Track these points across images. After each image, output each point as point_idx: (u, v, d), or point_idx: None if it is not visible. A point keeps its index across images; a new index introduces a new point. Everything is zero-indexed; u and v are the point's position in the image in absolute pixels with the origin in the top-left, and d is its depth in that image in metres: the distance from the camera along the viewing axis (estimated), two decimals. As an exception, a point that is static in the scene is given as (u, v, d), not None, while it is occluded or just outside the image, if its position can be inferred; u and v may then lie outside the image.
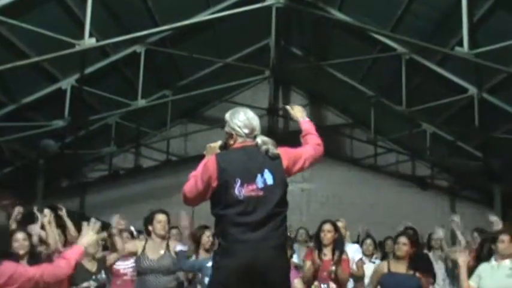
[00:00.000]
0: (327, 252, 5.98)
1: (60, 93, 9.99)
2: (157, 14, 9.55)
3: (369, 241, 8.02)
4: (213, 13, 9.75)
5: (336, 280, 5.88)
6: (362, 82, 12.42)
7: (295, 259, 7.66)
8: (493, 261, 5.48)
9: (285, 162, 3.67)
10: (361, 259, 7.26)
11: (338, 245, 6.05)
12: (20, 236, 5.91)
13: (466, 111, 10.49)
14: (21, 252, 5.83)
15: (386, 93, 12.07)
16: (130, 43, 9.98)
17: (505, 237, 5.47)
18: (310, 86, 14.23)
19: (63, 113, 10.02)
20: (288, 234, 7.40)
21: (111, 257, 6.46)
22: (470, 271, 5.61)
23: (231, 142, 3.77)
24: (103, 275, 6.29)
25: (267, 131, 13.07)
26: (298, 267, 7.31)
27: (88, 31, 7.70)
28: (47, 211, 6.43)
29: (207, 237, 6.64)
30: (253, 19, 10.19)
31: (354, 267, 6.90)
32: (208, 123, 14.05)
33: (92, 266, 6.27)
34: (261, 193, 3.54)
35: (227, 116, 3.80)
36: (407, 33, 9.20)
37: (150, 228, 5.94)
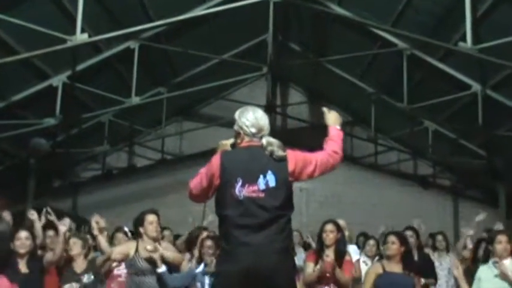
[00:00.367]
0: (330, 253, 5.96)
1: (52, 91, 9.96)
2: (152, 9, 9.52)
3: (372, 242, 7.99)
4: (208, 8, 9.71)
5: (338, 282, 5.86)
6: (362, 79, 12.42)
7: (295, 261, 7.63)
8: (490, 263, 5.48)
9: (291, 166, 3.64)
10: (358, 260, 7.24)
11: (340, 245, 6.04)
12: (22, 234, 5.91)
13: (469, 108, 10.48)
14: (22, 251, 5.83)
15: (387, 90, 12.06)
16: (124, 39, 9.94)
17: (502, 238, 5.48)
18: (308, 82, 14.22)
19: (55, 111, 9.98)
20: None
21: (99, 259, 6.45)
22: (471, 274, 5.62)
23: (238, 141, 3.78)
24: (91, 276, 6.27)
25: (265, 129, 13.07)
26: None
27: (80, 26, 7.68)
28: (66, 221, 6.39)
29: (203, 240, 6.58)
30: (250, 14, 10.16)
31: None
32: (204, 121, 14.02)
33: (78, 267, 6.26)
34: (261, 195, 3.54)
35: (236, 114, 3.81)
36: (408, 28, 9.20)
37: (141, 230, 5.83)
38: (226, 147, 3.83)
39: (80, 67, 10.01)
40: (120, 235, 7.33)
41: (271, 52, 11.01)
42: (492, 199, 13.00)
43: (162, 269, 5.64)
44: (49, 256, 6.10)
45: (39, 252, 6.44)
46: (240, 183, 3.54)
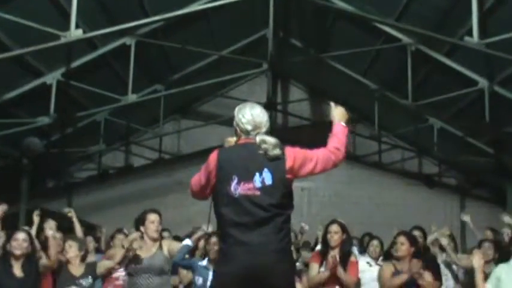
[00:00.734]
0: (335, 255, 5.95)
1: (45, 89, 9.94)
2: (148, 4, 9.50)
3: (375, 242, 7.95)
4: (207, 2, 9.67)
5: (343, 284, 5.85)
6: (365, 75, 12.40)
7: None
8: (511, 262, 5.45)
9: (289, 163, 3.63)
10: (357, 262, 7.23)
11: (346, 246, 6.03)
12: (20, 236, 5.89)
13: (476, 105, 10.47)
14: (18, 252, 5.81)
15: (391, 86, 12.05)
16: (120, 35, 9.93)
17: None
18: (310, 79, 14.20)
19: (49, 110, 9.95)
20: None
21: (102, 264, 6.43)
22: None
23: (236, 138, 3.80)
24: (89, 279, 6.26)
25: (265, 127, 13.06)
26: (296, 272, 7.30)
27: (74, 22, 7.65)
28: (51, 223, 6.38)
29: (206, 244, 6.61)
30: (250, 9, 10.15)
31: None
32: (202, 119, 14.00)
33: (76, 271, 6.25)
34: (257, 193, 3.55)
35: (235, 110, 3.81)
36: (413, 23, 9.18)
37: (142, 229, 5.92)
38: (231, 144, 3.85)
39: (75, 64, 10.00)
40: (120, 237, 7.34)
41: (271, 48, 10.99)
42: (500, 198, 12.98)
43: (188, 242, 5.95)
44: (44, 261, 6.08)
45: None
46: (235, 181, 3.55)
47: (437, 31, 8.89)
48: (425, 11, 9.33)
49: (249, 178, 3.56)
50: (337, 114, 4.06)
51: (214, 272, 3.76)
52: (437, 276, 5.98)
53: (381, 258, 7.86)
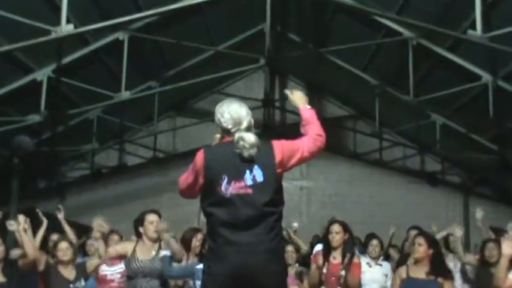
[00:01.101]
0: (337, 255, 5.94)
1: (36, 85, 9.90)
2: (142, -2, 9.49)
3: (375, 242, 7.95)
4: (202, -4, 9.67)
5: (346, 286, 5.84)
6: (365, 70, 12.38)
7: None
8: None
9: (278, 156, 3.66)
10: (360, 263, 7.22)
11: (348, 247, 6.01)
12: None
13: (479, 100, 10.47)
14: None
15: (392, 81, 12.04)
16: (112, 30, 9.90)
17: None
18: (309, 75, 14.19)
19: (39, 107, 9.92)
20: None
21: (92, 263, 6.43)
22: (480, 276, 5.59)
23: (220, 136, 3.83)
24: (82, 282, 6.27)
25: (263, 124, 13.07)
26: (296, 274, 7.29)
27: (65, 16, 7.64)
28: (21, 218, 6.36)
29: (197, 241, 6.62)
30: (247, 2, 10.12)
31: None
32: (198, 117, 13.98)
33: (69, 274, 6.25)
34: (249, 191, 3.56)
35: (215, 110, 3.83)
36: (414, 16, 9.15)
37: (140, 230, 5.93)
38: (217, 142, 3.87)
39: (66, 60, 9.95)
40: (115, 237, 7.34)
41: (268, 43, 10.98)
42: (504, 196, 13.01)
43: (166, 252, 5.72)
44: (21, 260, 6.06)
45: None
46: (225, 180, 3.57)
47: (440, 24, 8.88)
48: (427, 4, 9.31)
49: (240, 176, 3.57)
50: (297, 98, 4.10)
51: (204, 271, 3.74)
52: (448, 274, 5.91)
53: (381, 258, 7.86)
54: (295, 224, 9.59)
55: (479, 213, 7.76)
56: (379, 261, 7.78)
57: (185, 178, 3.78)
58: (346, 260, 5.91)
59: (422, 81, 10.85)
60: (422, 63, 10.70)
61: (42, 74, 9.93)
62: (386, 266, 7.74)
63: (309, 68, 13.57)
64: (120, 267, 6.54)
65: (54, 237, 7.05)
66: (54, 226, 7.58)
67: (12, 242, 7.11)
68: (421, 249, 5.81)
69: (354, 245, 6.31)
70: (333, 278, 5.87)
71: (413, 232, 8.06)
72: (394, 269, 6.92)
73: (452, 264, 7.59)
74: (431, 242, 5.92)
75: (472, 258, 7.48)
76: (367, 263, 7.45)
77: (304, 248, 8.91)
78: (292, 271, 7.24)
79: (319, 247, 6.38)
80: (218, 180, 3.56)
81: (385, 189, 14.20)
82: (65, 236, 7.19)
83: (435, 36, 9.96)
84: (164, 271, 5.79)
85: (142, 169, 14.19)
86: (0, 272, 5.83)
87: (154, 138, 14.07)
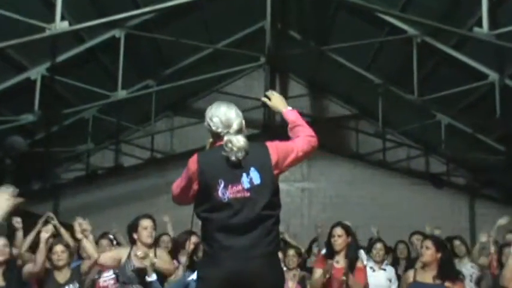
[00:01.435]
0: (340, 259, 5.92)
1: (29, 84, 9.87)
2: (139, -6, 9.47)
3: (379, 245, 7.94)
4: (201, -8, 9.67)
5: None
6: (368, 69, 12.37)
7: None
8: None
9: (274, 158, 3.68)
10: (365, 266, 7.20)
11: (351, 250, 5.99)
12: (0, 241, 5.87)
13: (485, 100, 10.44)
14: (0, 258, 5.80)
15: (396, 80, 12.02)
16: (109, 27, 9.86)
17: None
18: (310, 73, 14.18)
19: (33, 106, 9.87)
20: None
21: (85, 264, 6.42)
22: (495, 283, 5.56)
23: (212, 140, 3.86)
24: (76, 284, 6.26)
25: (263, 124, 13.05)
26: (299, 279, 7.28)
27: (60, 13, 7.62)
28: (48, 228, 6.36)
29: (192, 244, 6.60)
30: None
31: None
32: (197, 117, 13.89)
33: (62, 277, 6.24)
34: (247, 194, 3.58)
35: (205, 114, 3.85)
36: (418, 13, 9.14)
37: (135, 236, 5.92)
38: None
39: (61, 58, 9.92)
40: (104, 242, 7.32)
41: (269, 41, 10.95)
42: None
43: (152, 277, 5.63)
44: (29, 267, 6.05)
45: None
46: (222, 185, 3.58)
47: (445, 22, 8.86)
48: (431, 1, 9.29)
49: (236, 180, 3.59)
50: (277, 102, 4.14)
51: (198, 276, 3.76)
52: (456, 278, 5.89)
53: (385, 262, 7.84)
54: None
55: (503, 220, 7.73)
56: (383, 266, 7.76)
57: (178, 184, 3.79)
58: (347, 264, 5.89)
59: (426, 80, 10.83)
60: (427, 61, 10.68)
61: (36, 73, 9.89)
62: (390, 271, 7.73)
63: (311, 67, 13.57)
64: (113, 273, 6.58)
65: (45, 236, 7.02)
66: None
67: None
68: (428, 252, 5.78)
69: (358, 249, 6.29)
70: (336, 283, 5.85)
71: (416, 237, 8.08)
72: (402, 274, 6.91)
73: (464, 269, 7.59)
74: (440, 245, 5.88)
75: (485, 260, 7.49)
76: (371, 267, 7.43)
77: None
78: (292, 274, 7.23)
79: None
80: (214, 185, 3.57)
81: (388, 191, 14.18)
82: (61, 239, 7.18)
83: (440, 34, 9.93)
84: None
85: (139, 170, 14.19)
86: (1, 276, 5.81)
87: (152, 138, 14.07)
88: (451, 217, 13.21)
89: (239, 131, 3.71)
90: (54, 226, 7.37)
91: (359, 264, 6.00)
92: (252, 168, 3.61)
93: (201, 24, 11.18)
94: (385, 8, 9.52)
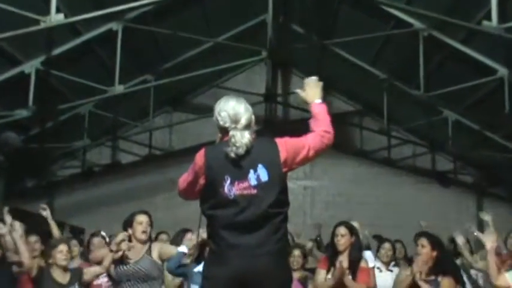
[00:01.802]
0: (343, 260, 5.92)
1: (23, 79, 9.85)
2: (137, -14, 9.45)
3: (387, 246, 7.93)
4: (200, -16, 9.66)
5: None
6: (373, 63, 12.36)
7: None
8: None
9: (283, 155, 3.67)
10: (373, 267, 7.19)
11: (354, 251, 5.99)
12: None
13: (494, 96, 10.42)
14: None
15: (402, 75, 12.00)
16: (106, 20, 9.86)
17: None
18: (313, 68, 14.05)
19: (27, 101, 9.86)
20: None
21: (91, 270, 6.42)
22: None
23: (221, 135, 3.83)
24: (76, 287, 6.26)
25: (264, 120, 13.05)
26: (301, 279, 7.26)
27: (55, 5, 7.61)
28: (17, 224, 6.32)
29: (188, 241, 6.62)
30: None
31: None
32: (196, 112, 13.96)
33: (63, 278, 6.24)
34: (254, 191, 3.58)
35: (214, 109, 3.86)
36: (425, 6, 9.14)
37: (129, 231, 5.94)
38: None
39: (56, 52, 9.90)
40: (96, 240, 7.31)
41: (271, 34, 10.95)
42: (521, 197, 12.99)
43: (184, 249, 5.85)
44: (17, 268, 6.04)
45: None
46: (228, 181, 3.59)
47: (452, 15, 8.86)
48: (439, -7, 9.29)
49: (243, 176, 3.60)
50: (310, 93, 4.12)
51: (203, 275, 3.76)
52: (458, 279, 5.90)
53: (392, 263, 7.82)
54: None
55: (485, 215, 7.73)
56: (390, 267, 7.75)
57: (185, 178, 3.80)
58: (353, 264, 5.88)
59: (433, 75, 10.83)
60: (433, 56, 10.68)
61: (31, 66, 9.88)
62: (397, 272, 7.71)
63: (313, 61, 13.52)
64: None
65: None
66: (42, 227, 7.56)
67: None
68: (424, 250, 5.80)
69: (362, 249, 6.28)
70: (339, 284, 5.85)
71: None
72: None
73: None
74: (435, 243, 5.89)
75: (482, 263, 7.45)
76: (377, 268, 7.42)
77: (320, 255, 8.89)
78: (297, 275, 7.22)
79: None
80: (220, 180, 3.58)
81: (394, 189, 14.17)
82: (63, 238, 7.19)
83: (447, 28, 9.92)
84: (167, 265, 5.79)
85: (137, 167, 14.17)
86: None
87: (150, 134, 14.05)
88: (458, 217, 13.17)
89: (247, 126, 3.73)
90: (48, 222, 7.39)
91: (363, 265, 5.99)
92: (260, 165, 3.61)
93: (201, 17, 11.17)
94: (390, 1, 9.52)
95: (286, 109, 14.15)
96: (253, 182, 3.59)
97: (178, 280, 6.57)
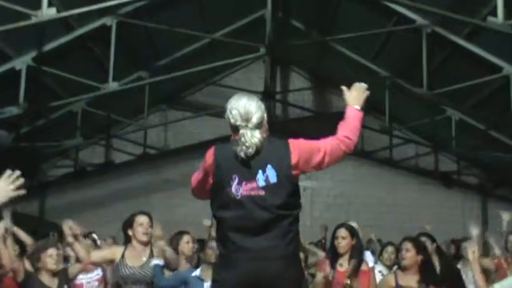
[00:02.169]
0: (343, 262, 5.91)
1: (14, 75, 9.85)
2: (131, -21, 9.44)
3: (390, 249, 7.92)
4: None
5: None
6: (375, 60, 12.38)
7: None
8: None
9: (294, 157, 3.62)
10: (373, 268, 7.18)
11: (355, 253, 5.97)
12: None
13: (499, 94, 10.44)
14: None
15: (404, 73, 12.03)
16: (99, 14, 9.85)
17: None
18: (313, 65, 14.18)
19: (18, 98, 9.86)
20: None
21: (74, 267, 6.40)
22: None
23: (233, 134, 3.79)
24: None
25: (263, 119, 13.02)
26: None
27: (47, -1, 7.59)
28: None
29: (185, 244, 6.61)
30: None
31: None
32: (192, 110, 13.97)
33: (51, 282, 6.21)
34: (262, 192, 3.56)
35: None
36: (428, 2, 9.12)
37: (130, 233, 5.92)
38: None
39: (48, 47, 9.92)
40: (87, 242, 7.29)
41: (269, 30, 10.93)
42: (526, 199, 13.00)
43: (158, 261, 5.70)
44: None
45: None
46: (236, 181, 3.56)
47: (456, 11, 8.86)
48: (443, -11, 9.29)
49: (252, 177, 3.57)
50: (352, 96, 4.03)
51: (213, 279, 3.76)
52: (439, 282, 5.88)
53: (395, 267, 7.81)
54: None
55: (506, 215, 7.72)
56: (394, 270, 7.73)
57: (196, 177, 3.79)
58: (350, 267, 5.87)
59: (436, 73, 10.83)
60: (437, 53, 10.70)
61: (21, 63, 9.88)
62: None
63: (313, 58, 13.56)
64: (97, 273, 6.68)
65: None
66: (36, 230, 7.54)
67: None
68: (408, 255, 5.79)
69: (363, 252, 6.26)
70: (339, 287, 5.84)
71: (423, 239, 8.03)
72: None
73: (464, 274, 7.56)
74: (420, 247, 5.88)
75: (489, 263, 7.44)
76: (379, 271, 7.41)
77: (321, 254, 8.85)
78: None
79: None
80: (228, 180, 3.56)
81: (396, 190, 14.20)
82: (53, 241, 7.14)
83: (451, 24, 9.92)
84: (155, 281, 5.77)
85: (131, 167, 14.18)
86: None
87: (144, 133, 14.04)
88: (462, 218, 13.19)
89: (258, 125, 3.69)
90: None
91: (364, 268, 5.98)
92: (269, 166, 3.58)
93: (198, 12, 11.18)
94: (393, -4, 9.52)
95: (285, 107, 14.13)
96: (261, 183, 3.56)
97: None
